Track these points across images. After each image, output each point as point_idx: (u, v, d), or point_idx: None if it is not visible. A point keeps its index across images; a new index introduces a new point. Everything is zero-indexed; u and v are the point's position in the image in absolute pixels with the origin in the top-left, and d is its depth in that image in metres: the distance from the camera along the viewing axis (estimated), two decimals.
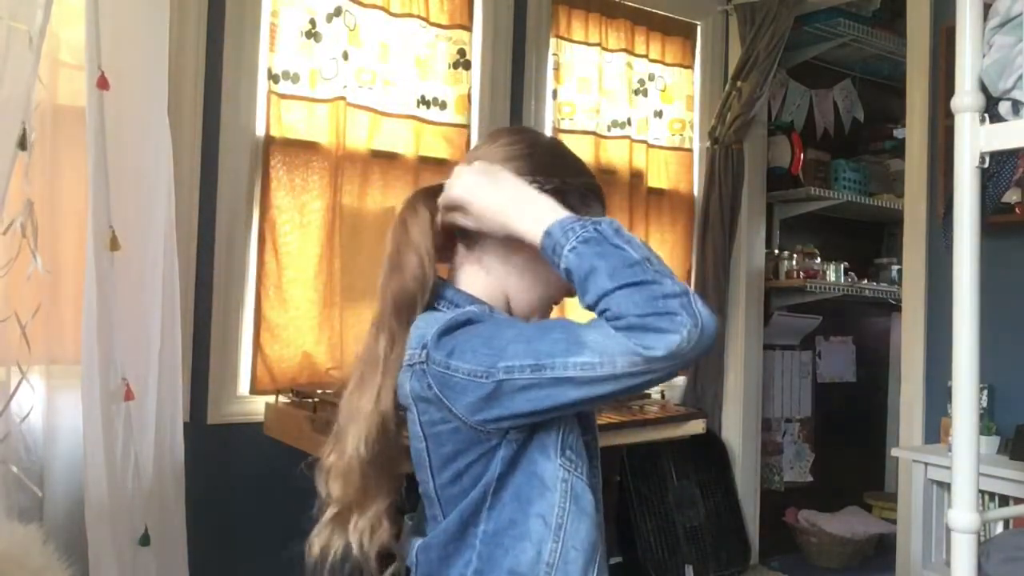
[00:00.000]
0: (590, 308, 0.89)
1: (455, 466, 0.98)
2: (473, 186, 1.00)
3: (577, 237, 0.89)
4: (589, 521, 0.99)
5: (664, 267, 0.88)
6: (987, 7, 1.42)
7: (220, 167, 2.40)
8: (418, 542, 1.04)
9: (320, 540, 1.02)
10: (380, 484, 1.03)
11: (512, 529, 0.97)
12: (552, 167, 1.06)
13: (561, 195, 0.99)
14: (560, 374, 0.87)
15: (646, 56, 3.30)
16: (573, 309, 3.06)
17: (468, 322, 0.97)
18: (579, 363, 0.86)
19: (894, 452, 2.89)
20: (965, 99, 1.40)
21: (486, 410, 0.92)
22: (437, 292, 1.05)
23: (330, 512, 1.03)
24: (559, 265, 0.91)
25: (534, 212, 0.95)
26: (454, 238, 1.09)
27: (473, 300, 1.05)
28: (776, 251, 3.66)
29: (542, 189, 1.00)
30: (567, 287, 1.00)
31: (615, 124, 3.21)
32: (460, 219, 1.03)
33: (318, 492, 1.04)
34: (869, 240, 4.14)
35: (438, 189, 1.06)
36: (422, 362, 0.97)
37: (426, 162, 2.74)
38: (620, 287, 0.85)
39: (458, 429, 0.96)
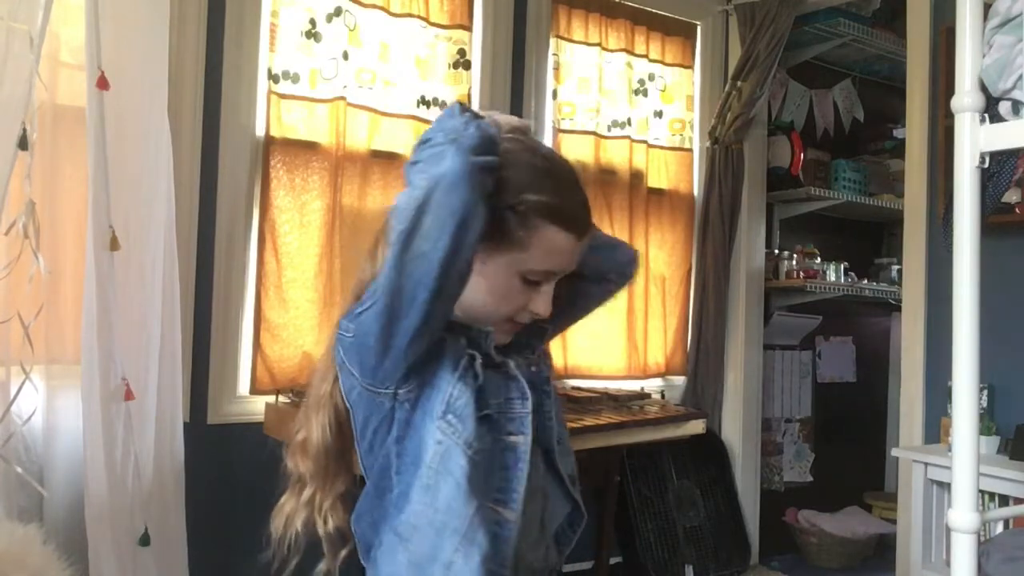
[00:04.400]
0: None
1: (368, 435, 1.02)
2: None
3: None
4: (454, 485, 0.94)
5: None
6: (987, 7, 1.42)
7: (220, 167, 2.40)
8: (351, 516, 1.08)
9: (284, 513, 1.07)
10: (339, 468, 1.08)
11: (408, 491, 0.98)
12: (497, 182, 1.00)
13: (500, 218, 0.98)
14: (385, 287, 0.90)
15: (646, 56, 3.30)
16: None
17: None
18: (387, 273, 0.90)
19: (894, 452, 2.89)
20: (965, 99, 1.40)
21: (367, 364, 0.96)
22: None
23: (295, 488, 1.08)
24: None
25: None
26: None
27: None
28: (776, 251, 3.66)
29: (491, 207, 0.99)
30: (521, 305, 1.03)
31: (615, 124, 3.20)
32: None
33: (286, 467, 1.09)
34: (869, 240, 4.14)
35: None
36: (338, 333, 1.02)
37: None
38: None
39: (361, 394, 1.00)
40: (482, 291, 1.02)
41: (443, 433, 0.96)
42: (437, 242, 0.86)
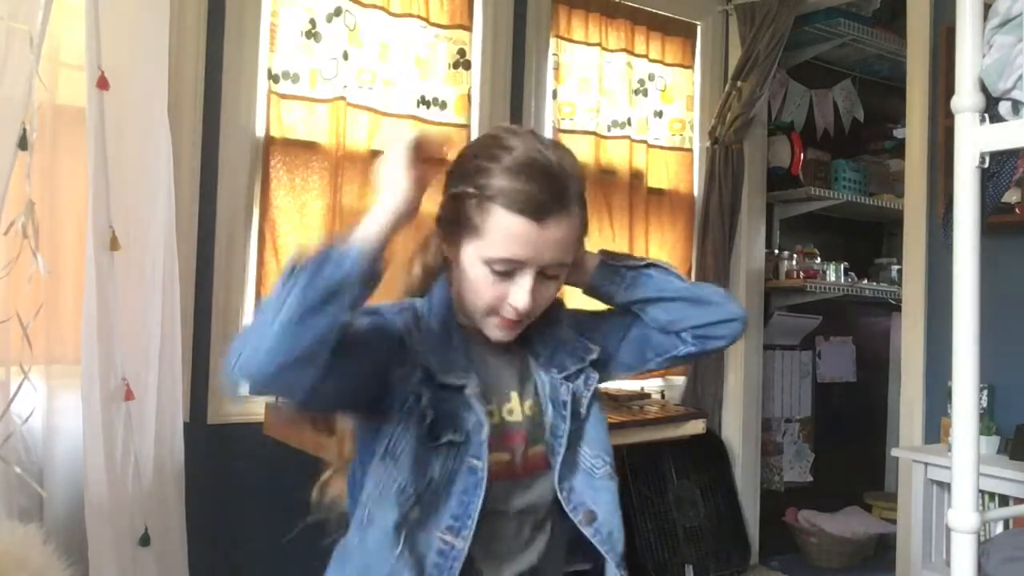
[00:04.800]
0: None
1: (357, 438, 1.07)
2: None
3: None
4: (381, 532, 0.96)
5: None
6: (987, 7, 1.42)
7: (220, 167, 2.40)
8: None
9: (322, 487, 1.12)
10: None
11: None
12: (464, 172, 1.03)
13: (460, 202, 1.01)
14: None
15: (646, 56, 3.30)
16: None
17: None
18: None
19: (894, 452, 2.89)
20: (965, 99, 1.40)
21: None
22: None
23: (332, 468, 1.13)
24: None
25: None
26: None
27: (444, 296, 1.07)
28: (776, 251, 3.66)
29: (452, 195, 1.03)
30: (499, 297, 1.02)
31: (615, 124, 3.20)
32: None
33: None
34: (869, 240, 4.14)
35: None
36: None
37: (426, 163, 2.73)
38: None
39: None
40: (458, 282, 1.05)
41: (377, 475, 0.98)
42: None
